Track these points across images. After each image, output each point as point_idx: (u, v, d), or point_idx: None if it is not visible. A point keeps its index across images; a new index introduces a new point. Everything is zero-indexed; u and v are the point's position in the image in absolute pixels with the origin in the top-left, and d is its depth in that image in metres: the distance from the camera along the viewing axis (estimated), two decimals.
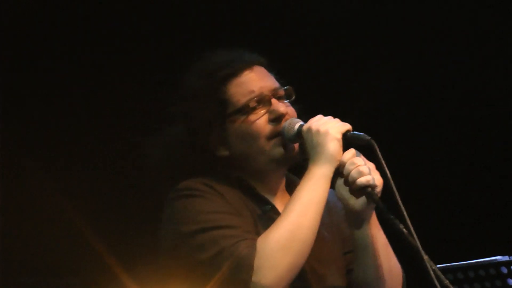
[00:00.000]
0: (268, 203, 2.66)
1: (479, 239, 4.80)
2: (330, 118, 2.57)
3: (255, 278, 2.38)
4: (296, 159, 2.65)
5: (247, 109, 2.62)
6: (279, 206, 2.67)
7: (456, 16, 5.14)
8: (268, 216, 2.61)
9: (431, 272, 2.41)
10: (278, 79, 2.73)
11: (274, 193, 2.70)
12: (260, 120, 2.62)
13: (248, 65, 2.68)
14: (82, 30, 4.79)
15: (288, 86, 2.69)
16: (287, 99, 2.68)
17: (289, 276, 2.42)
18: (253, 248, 2.41)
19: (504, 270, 3.81)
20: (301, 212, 2.46)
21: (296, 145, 2.63)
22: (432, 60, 5.27)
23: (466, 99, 5.30)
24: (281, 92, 2.68)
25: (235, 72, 2.66)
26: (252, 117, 2.62)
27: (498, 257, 3.85)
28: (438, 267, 3.99)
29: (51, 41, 4.75)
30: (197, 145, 2.66)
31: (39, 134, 4.68)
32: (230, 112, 2.64)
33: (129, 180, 4.70)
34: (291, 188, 2.73)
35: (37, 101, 4.76)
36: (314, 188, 2.49)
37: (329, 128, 2.53)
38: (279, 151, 2.61)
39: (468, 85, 5.27)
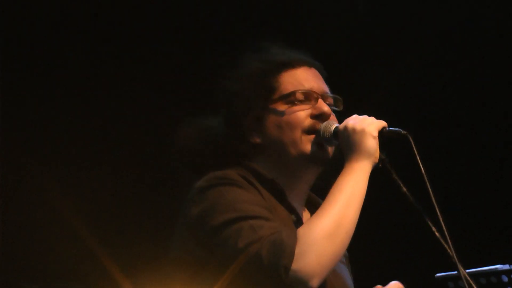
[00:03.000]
0: (295, 213, 2.62)
1: (480, 247, 4.85)
2: (365, 116, 2.58)
3: (296, 265, 2.32)
4: (325, 162, 2.64)
5: (291, 98, 2.62)
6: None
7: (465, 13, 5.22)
8: (293, 224, 2.58)
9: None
10: (331, 90, 2.74)
11: (299, 202, 2.67)
12: (302, 112, 2.62)
13: (308, 63, 2.70)
14: (87, 29, 4.80)
15: (338, 96, 2.71)
16: (334, 107, 2.69)
17: (330, 266, 2.38)
18: (294, 236, 2.37)
19: (505, 278, 3.86)
20: (345, 203, 2.44)
21: (330, 149, 2.64)
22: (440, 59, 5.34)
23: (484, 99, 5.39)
24: (330, 99, 2.69)
25: (293, 63, 2.67)
26: (295, 107, 2.61)
27: (499, 266, 3.90)
28: (439, 276, 4.09)
29: (52, 41, 4.76)
30: (233, 129, 2.63)
31: (41, 137, 4.66)
32: (274, 98, 2.62)
33: (134, 185, 4.69)
34: (311, 206, 2.73)
35: (38, 102, 4.75)
36: (356, 181, 2.48)
37: (365, 126, 2.54)
38: (311, 148, 2.60)
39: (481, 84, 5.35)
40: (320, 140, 2.61)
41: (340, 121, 2.64)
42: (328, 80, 2.74)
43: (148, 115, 4.77)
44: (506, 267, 3.88)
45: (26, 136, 4.64)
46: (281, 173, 2.63)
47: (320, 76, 2.71)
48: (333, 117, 2.67)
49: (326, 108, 2.64)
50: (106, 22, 4.82)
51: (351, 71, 5.12)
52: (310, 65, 2.70)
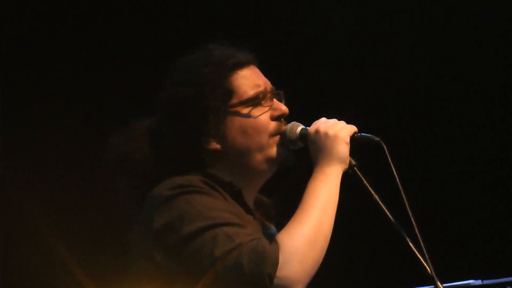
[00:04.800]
0: (252, 213, 2.63)
1: (453, 262, 4.83)
2: (335, 120, 2.58)
3: (281, 272, 2.31)
4: (287, 163, 2.63)
5: (253, 102, 2.60)
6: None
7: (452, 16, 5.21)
8: (254, 225, 2.59)
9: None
10: None
11: (250, 202, 2.66)
12: (265, 116, 2.60)
13: (253, 61, 2.67)
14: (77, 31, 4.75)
15: (280, 90, 2.69)
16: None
17: (313, 273, 2.39)
18: (275, 243, 2.36)
19: None
20: (322, 209, 2.44)
21: (288, 150, 2.63)
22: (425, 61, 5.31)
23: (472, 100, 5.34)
24: (275, 94, 2.68)
25: (242, 64, 2.63)
26: (257, 111, 2.59)
27: (471, 281, 3.87)
28: None
29: (45, 42, 4.70)
30: (189, 137, 2.57)
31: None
32: (234, 103, 2.59)
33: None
34: (257, 204, 2.71)
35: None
36: (330, 186, 2.49)
37: (337, 131, 2.53)
38: (278, 150, 2.60)
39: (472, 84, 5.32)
40: (285, 141, 2.61)
41: (308, 124, 2.62)
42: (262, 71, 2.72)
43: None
44: (479, 282, 3.85)
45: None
46: (239, 175, 2.60)
47: (260, 72, 2.69)
48: None
49: (284, 108, 2.64)
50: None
51: (325, 77, 5.12)
52: (253, 62, 2.67)
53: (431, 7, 5.18)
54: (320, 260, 2.41)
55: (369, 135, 2.56)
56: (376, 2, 5.20)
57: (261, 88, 2.61)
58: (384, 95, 5.15)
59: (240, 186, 2.58)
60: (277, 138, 2.61)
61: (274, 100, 2.64)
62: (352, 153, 2.55)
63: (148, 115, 2.65)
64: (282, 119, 2.63)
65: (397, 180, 2.49)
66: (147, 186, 2.51)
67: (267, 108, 2.61)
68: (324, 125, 2.56)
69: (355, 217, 4.52)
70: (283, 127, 2.62)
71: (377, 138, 2.55)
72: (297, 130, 2.61)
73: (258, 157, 2.58)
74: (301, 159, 2.63)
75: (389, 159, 2.50)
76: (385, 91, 5.14)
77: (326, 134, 2.53)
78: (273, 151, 2.59)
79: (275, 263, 2.32)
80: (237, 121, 2.58)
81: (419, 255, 2.49)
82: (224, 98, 2.57)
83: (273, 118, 2.62)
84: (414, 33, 5.16)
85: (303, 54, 5.04)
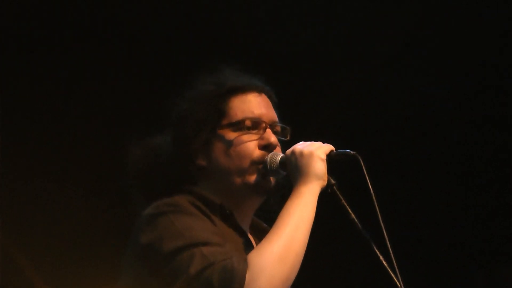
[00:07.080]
0: (245, 235, 2.67)
1: (419, 273, 4.83)
2: (312, 142, 2.63)
3: None
4: (269, 192, 2.69)
5: (240, 126, 2.66)
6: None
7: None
8: (244, 247, 2.63)
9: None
10: (279, 117, 2.78)
11: (245, 225, 2.72)
12: (251, 143, 2.66)
13: (258, 89, 2.74)
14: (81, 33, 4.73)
15: (287, 126, 2.76)
16: (281, 137, 2.75)
17: None
18: (245, 262, 2.40)
19: None
20: (294, 226, 2.47)
21: (273, 179, 2.69)
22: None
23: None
24: (278, 128, 2.74)
25: (243, 88, 2.71)
26: (244, 136, 2.66)
27: None
28: None
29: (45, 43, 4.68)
30: (180, 149, 2.66)
31: None
32: (223, 123, 2.66)
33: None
34: (255, 230, 2.78)
35: None
36: (304, 204, 2.52)
37: (313, 150, 2.58)
38: (256, 178, 2.64)
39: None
40: (266, 171, 2.66)
41: (287, 148, 2.67)
42: (278, 106, 2.78)
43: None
44: None
45: None
46: (226, 197, 2.67)
47: (269, 103, 2.76)
48: (278, 148, 2.71)
49: (273, 139, 2.69)
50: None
51: (295, 96, 5.13)
52: (260, 91, 2.74)
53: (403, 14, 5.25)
54: (292, 277, 2.44)
55: (345, 150, 2.61)
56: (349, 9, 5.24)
57: (253, 115, 2.68)
58: (356, 105, 5.26)
59: (231, 208, 2.64)
60: (258, 166, 2.66)
61: (268, 130, 2.70)
62: (331, 172, 2.59)
63: (145, 118, 2.83)
64: (273, 151, 2.68)
65: (372, 193, 2.53)
66: (146, 202, 2.60)
67: (255, 136, 2.67)
68: (301, 145, 2.63)
69: (334, 232, 4.53)
70: (266, 157, 2.67)
71: (352, 152, 2.59)
72: (277, 158, 2.65)
73: (237, 181, 2.65)
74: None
75: (365, 172, 2.54)
76: (358, 101, 5.26)
77: (301, 153, 2.59)
78: (252, 178, 2.64)
79: (242, 280, 2.36)
80: (223, 142, 2.66)
81: (391, 272, 2.52)
82: (214, 117, 2.66)
83: (260, 147, 2.67)
84: (385, 42, 5.27)
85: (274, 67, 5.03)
